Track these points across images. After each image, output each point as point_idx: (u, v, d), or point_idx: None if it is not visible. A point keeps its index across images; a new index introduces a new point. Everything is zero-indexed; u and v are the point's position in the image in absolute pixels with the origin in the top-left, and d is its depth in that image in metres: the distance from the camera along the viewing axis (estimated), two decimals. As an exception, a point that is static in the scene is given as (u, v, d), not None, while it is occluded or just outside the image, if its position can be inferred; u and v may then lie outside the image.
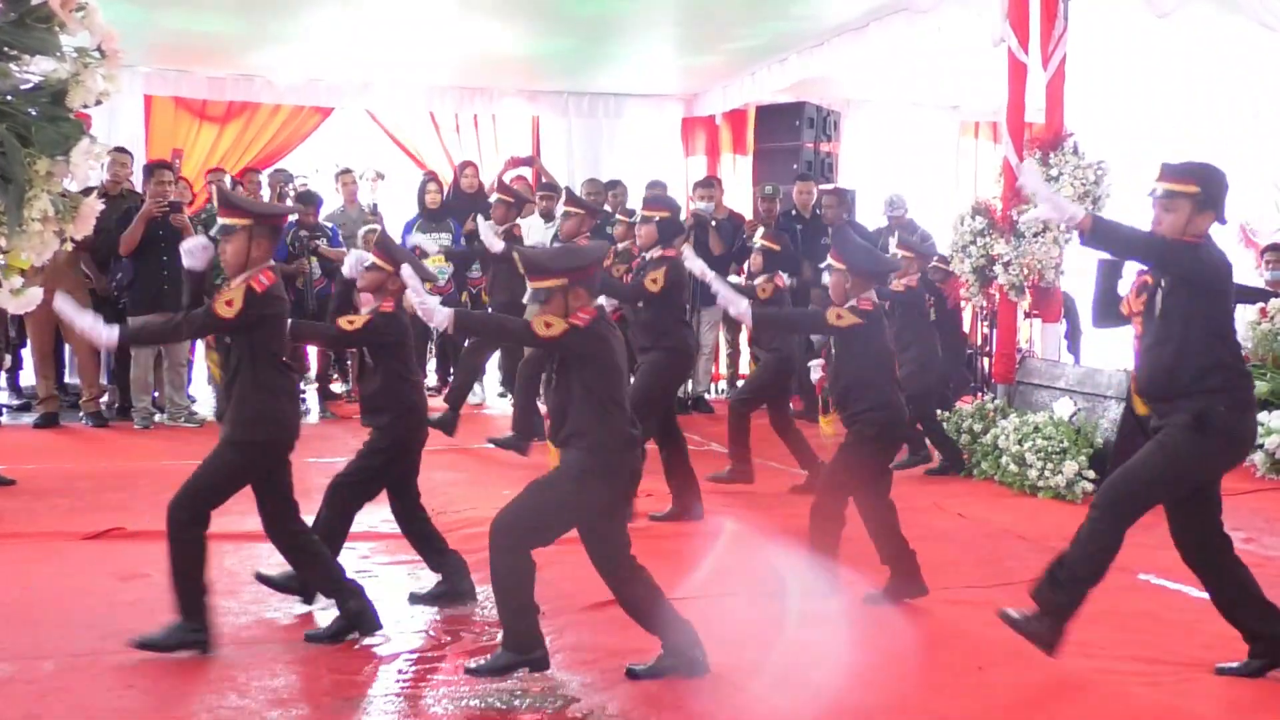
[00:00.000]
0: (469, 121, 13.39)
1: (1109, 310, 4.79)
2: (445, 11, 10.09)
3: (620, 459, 4.42)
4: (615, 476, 4.42)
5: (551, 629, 5.07)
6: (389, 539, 6.32)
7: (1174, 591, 5.58)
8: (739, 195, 13.16)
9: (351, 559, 6.16)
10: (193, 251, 4.88)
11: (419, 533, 5.61)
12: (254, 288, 4.69)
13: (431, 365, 12.23)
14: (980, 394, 9.89)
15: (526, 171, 13.04)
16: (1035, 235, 8.43)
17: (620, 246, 9.51)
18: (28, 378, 11.07)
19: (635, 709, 4.27)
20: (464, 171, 12.10)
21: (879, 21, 10.08)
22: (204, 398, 11.50)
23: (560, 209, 8.71)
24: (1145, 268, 4.57)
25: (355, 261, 5.53)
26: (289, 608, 5.40)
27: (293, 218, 11.53)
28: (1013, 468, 8.04)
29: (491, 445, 8.89)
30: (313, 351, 11.32)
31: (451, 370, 11.96)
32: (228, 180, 11.18)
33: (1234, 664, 4.54)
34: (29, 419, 10.35)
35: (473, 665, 4.46)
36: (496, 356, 10.95)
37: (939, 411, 8.77)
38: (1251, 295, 10.39)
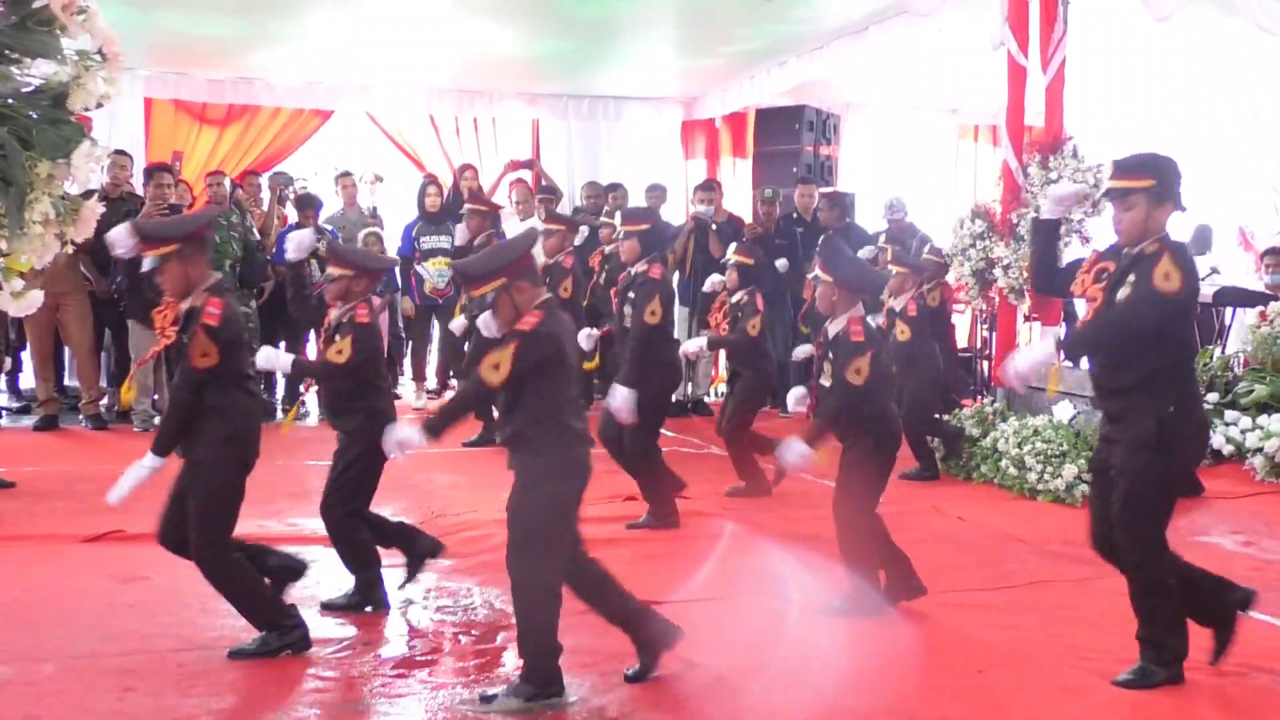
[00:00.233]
0: (469, 124, 13.37)
1: (1048, 276, 4.79)
2: (445, 14, 10.09)
3: (576, 455, 4.42)
4: (577, 473, 4.41)
5: (551, 632, 5.07)
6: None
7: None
8: (739, 198, 13.16)
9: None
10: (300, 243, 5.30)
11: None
12: (210, 325, 4.63)
13: (431, 368, 12.22)
14: (980, 397, 9.90)
15: (526, 174, 13.03)
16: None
17: (608, 249, 9.52)
18: (27, 380, 11.07)
19: (636, 711, 4.28)
20: (464, 174, 12.10)
21: (879, 25, 10.09)
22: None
23: (515, 223, 8.70)
24: (1102, 253, 4.58)
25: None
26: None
27: (292, 220, 11.56)
28: (1012, 471, 8.04)
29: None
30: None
31: (452, 374, 11.97)
32: (227, 183, 11.16)
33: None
34: (29, 421, 10.35)
35: (484, 694, 4.38)
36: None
37: (939, 415, 8.80)
38: (1251, 299, 10.40)
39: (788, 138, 13.07)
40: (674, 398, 11.12)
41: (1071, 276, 4.70)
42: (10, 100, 2.57)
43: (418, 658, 4.87)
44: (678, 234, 11.57)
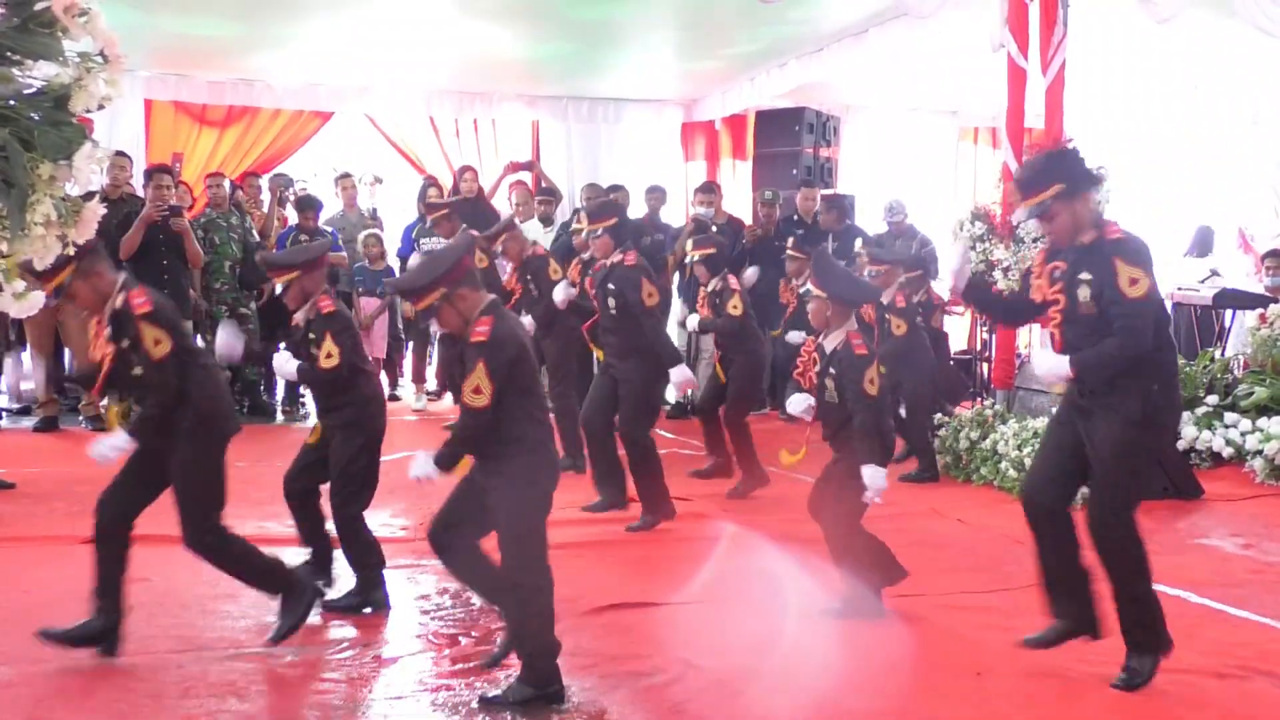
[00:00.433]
0: (469, 126, 13.38)
1: (1009, 314, 4.80)
2: (445, 16, 10.09)
3: (553, 452, 4.51)
4: (555, 470, 4.46)
5: (551, 633, 5.08)
6: (388, 542, 6.32)
7: (1173, 598, 5.57)
8: (739, 200, 13.17)
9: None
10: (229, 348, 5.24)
11: (313, 519, 5.65)
12: (148, 312, 4.65)
13: (431, 369, 12.22)
14: (980, 399, 9.90)
15: (526, 176, 13.04)
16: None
17: (586, 256, 9.51)
18: (28, 382, 11.07)
19: (635, 713, 4.28)
20: (463, 176, 12.11)
21: (878, 27, 10.09)
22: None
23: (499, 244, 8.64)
24: (1048, 253, 4.58)
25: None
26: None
27: (292, 222, 11.57)
28: (1012, 473, 8.03)
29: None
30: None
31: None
32: (226, 185, 11.17)
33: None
34: (29, 422, 10.35)
35: (485, 695, 4.38)
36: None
37: (937, 416, 8.82)
38: (1251, 301, 10.42)
39: (787, 140, 13.08)
40: (675, 399, 11.18)
41: (1027, 292, 4.71)
42: (12, 102, 2.57)
43: (418, 658, 4.87)
44: (677, 235, 11.57)
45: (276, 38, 10.90)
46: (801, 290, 5.66)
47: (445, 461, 4.42)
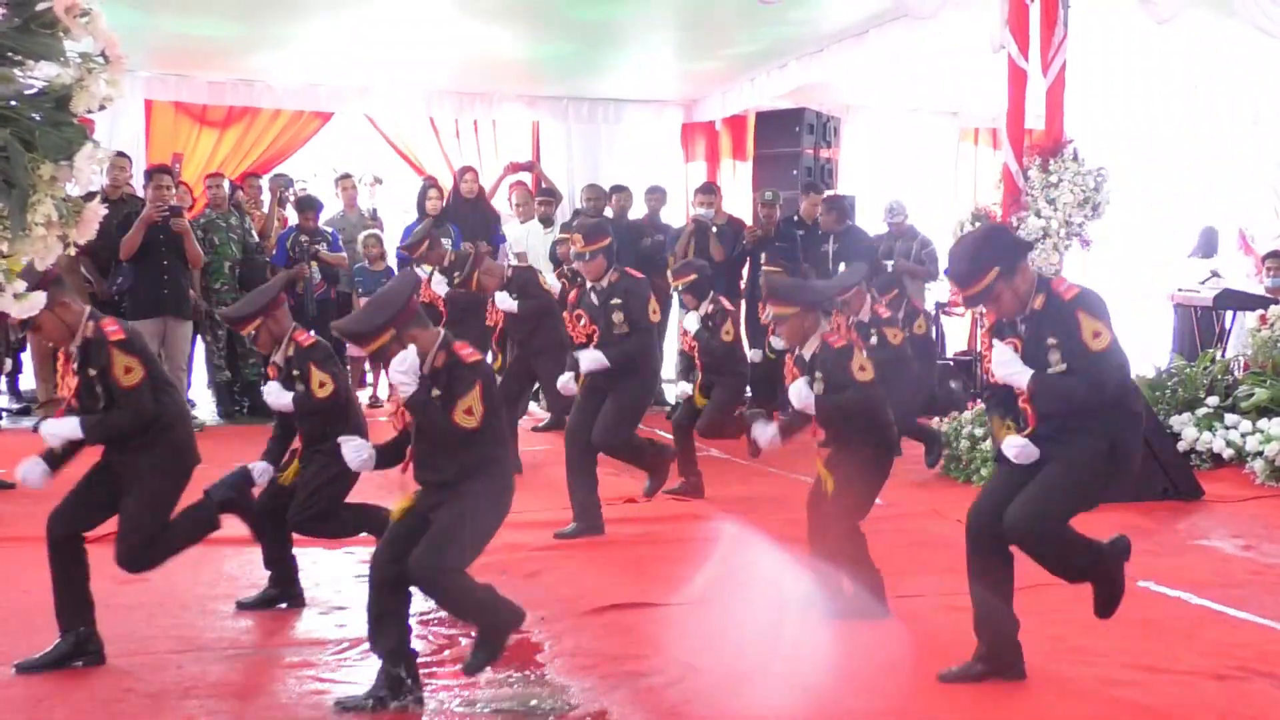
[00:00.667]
0: (469, 126, 13.37)
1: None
2: (445, 16, 10.09)
3: (510, 474, 4.54)
4: (510, 493, 4.49)
5: (550, 634, 5.08)
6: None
7: (1173, 599, 5.58)
8: (739, 201, 13.17)
9: (350, 563, 6.17)
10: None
11: (280, 540, 5.55)
12: (120, 339, 4.65)
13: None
14: (980, 400, 9.90)
15: (526, 177, 13.04)
16: (1035, 241, 8.43)
17: (571, 268, 9.49)
18: (28, 382, 11.08)
19: (635, 713, 4.28)
20: (464, 177, 12.11)
21: (879, 27, 10.09)
22: (203, 401, 11.51)
23: (515, 227, 8.64)
24: (992, 332, 4.55)
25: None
26: (287, 613, 5.41)
27: (293, 222, 11.56)
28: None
29: None
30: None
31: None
32: (226, 185, 11.17)
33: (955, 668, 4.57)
34: (29, 423, 10.34)
35: (466, 665, 4.43)
36: None
37: (936, 419, 8.82)
38: (1252, 302, 10.42)
39: (788, 140, 13.08)
40: (673, 400, 11.17)
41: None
42: (13, 102, 2.57)
43: (417, 658, 4.86)
44: (677, 237, 11.57)
45: (276, 38, 10.90)
46: (765, 319, 5.60)
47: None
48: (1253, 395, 8.71)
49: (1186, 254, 12.60)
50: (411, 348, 4.29)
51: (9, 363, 10.63)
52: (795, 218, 11.76)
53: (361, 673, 4.69)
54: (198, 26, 10.46)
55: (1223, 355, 9.86)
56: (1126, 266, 12.92)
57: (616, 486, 7.30)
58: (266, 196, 11.88)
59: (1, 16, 2.62)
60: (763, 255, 10.19)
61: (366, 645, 4.97)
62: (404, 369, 4.25)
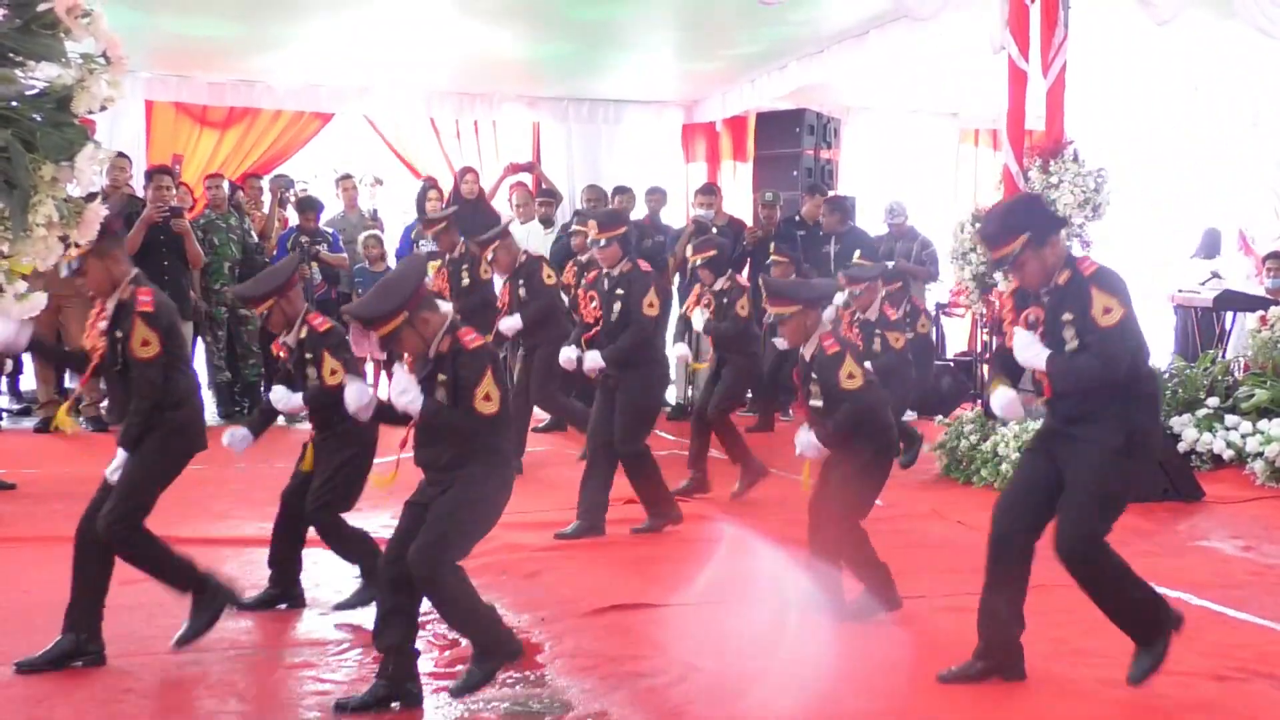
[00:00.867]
0: (469, 127, 13.36)
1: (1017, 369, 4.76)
2: (445, 16, 10.09)
3: (509, 464, 4.55)
4: (509, 484, 4.49)
5: (550, 635, 5.08)
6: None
7: (1173, 600, 5.56)
8: (739, 202, 13.16)
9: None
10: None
11: (294, 540, 5.56)
12: (147, 311, 4.65)
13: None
14: (980, 401, 9.89)
15: (526, 178, 13.03)
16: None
17: (583, 259, 9.52)
18: (28, 382, 11.08)
19: (635, 714, 4.28)
20: (464, 178, 12.10)
21: (879, 28, 10.09)
22: (204, 401, 11.49)
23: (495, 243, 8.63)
24: (1016, 300, 4.57)
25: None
26: (288, 613, 5.41)
27: (293, 223, 11.56)
28: (1012, 475, 8.03)
29: None
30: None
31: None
32: (225, 186, 11.17)
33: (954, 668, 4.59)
34: (29, 423, 10.35)
35: (455, 686, 4.40)
36: None
37: (937, 418, 8.84)
38: (1252, 303, 10.42)
39: (788, 141, 13.07)
40: (675, 400, 11.19)
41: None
42: (14, 103, 2.58)
43: (419, 658, 4.86)
44: (677, 237, 11.57)
45: (277, 38, 10.90)
46: (769, 320, 5.60)
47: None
48: (1253, 396, 8.71)
49: (1188, 255, 12.61)
50: (400, 370, 4.33)
51: (9, 363, 10.64)
52: (796, 218, 11.76)
53: (362, 673, 4.69)
54: (198, 27, 10.46)
55: (1223, 356, 9.86)
56: (1126, 267, 12.89)
57: (617, 487, 7.29)
58: (267, 197, 11.88)
59: (2, 17, 2.62)
60: (770, 248, 10.17)
61: (367, 646, 4.98)
62: (401, 390, 4.29)
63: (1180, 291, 11.62)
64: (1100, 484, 4.34)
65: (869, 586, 5.31)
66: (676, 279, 11.64)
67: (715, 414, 7.97)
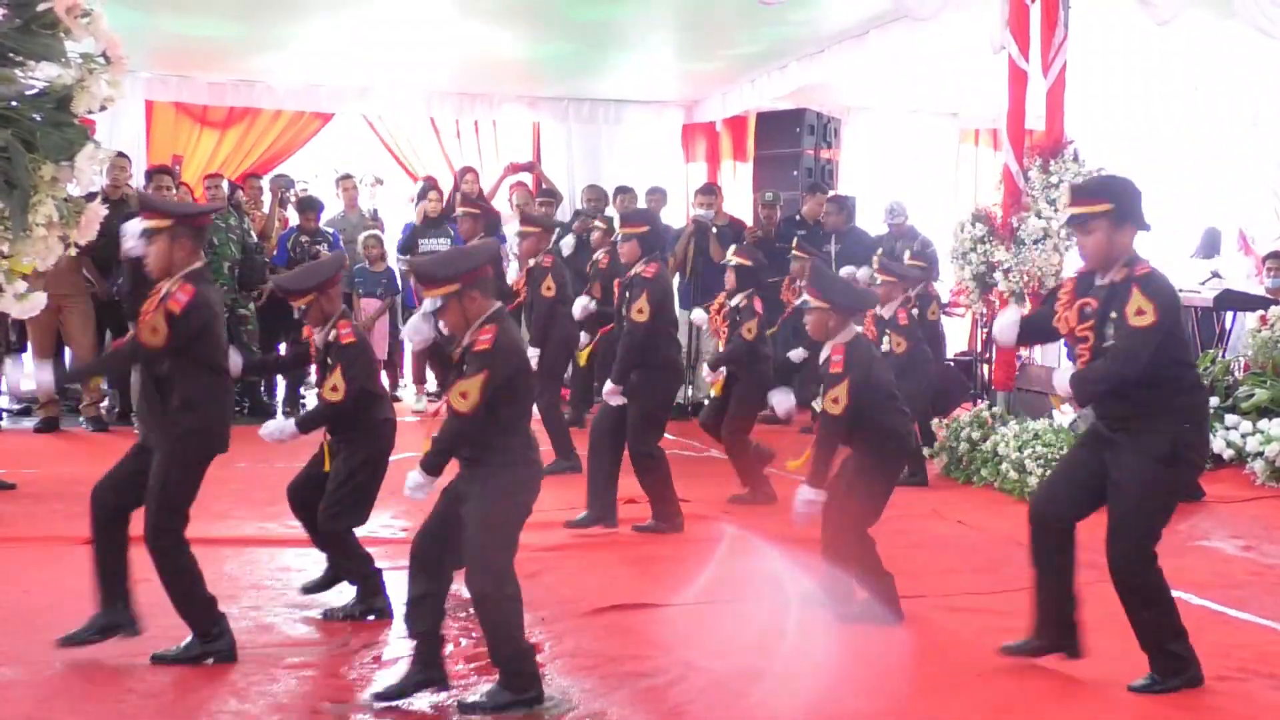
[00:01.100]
0: (469, 127, 13.37)
1: (1033, 333, 4.81)
2: (445, 17, 10.09)
3: (538, 469, 4.50)
4: (537, 486, 4.47)
5: (551, 635, 5.08)
6: (390, 544, 6.33)
7: (1175, 600, 5.57)
8: (739, 202, 13.17)
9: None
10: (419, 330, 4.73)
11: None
12: (172, 310, 4.58)
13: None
14: (980, 401, 9.90)
15: (527, 178, 13.04)
16: (1036, 242, 8.44)
17: (598, 254, 9.53)
18: (28, 382, 11.07)
19: (635, 714, 4.28)
20: (464, 177, 12.11)
21: (879, 28, 10.08)
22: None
23: (516, 228, 8.70)
24: (1077, 284, 4.60)
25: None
26: (288, 613, 5.41)
27: (294, 223, 11.57)
28: (1012, 475, 8.04)
29: None
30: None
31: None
32: (225, 186, 11.17)
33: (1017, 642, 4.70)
34: (29, 423, 10.35)
35: (465, 703, 4.37)
36: None
37: (935, 420, 8.82)
38: (1252, 303, 10.41)
39: (788, 141, 13.08)
40: (676, 400, 11.17)
41: (1051, 313, 4.70)
42: (14, 103, 2.58)
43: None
44: (677, 237, 11.57)
45: (277, 39, 10.91)
46: (799, 303, 5.60)
47: (432, 467, 4.38)
48: (1253, 396, 8.71)
49: (1188, 254, 12.60)
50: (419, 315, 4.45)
51: (9, 363, 10.64)
52: (797, 217, 11.76)
53: (362, 673, 4.70)
54: (198, 27, 10.46)
55: (1223, 356, 9.85)
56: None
57: (622, 487, 7.28)
58: (267, 197, 11.88)
59: (3, 17, 2.62)
60: (794, 244, 10.15)
61: (367, 645, 4.99)
62: (414, 329, 4.49)
63: (1180, 291, 11.59)
64: (1147, 495, 4.40)
65: (873, 596, 5.30)
66: (676, 279, 11.65)
67: (729, 438, 7.95)
